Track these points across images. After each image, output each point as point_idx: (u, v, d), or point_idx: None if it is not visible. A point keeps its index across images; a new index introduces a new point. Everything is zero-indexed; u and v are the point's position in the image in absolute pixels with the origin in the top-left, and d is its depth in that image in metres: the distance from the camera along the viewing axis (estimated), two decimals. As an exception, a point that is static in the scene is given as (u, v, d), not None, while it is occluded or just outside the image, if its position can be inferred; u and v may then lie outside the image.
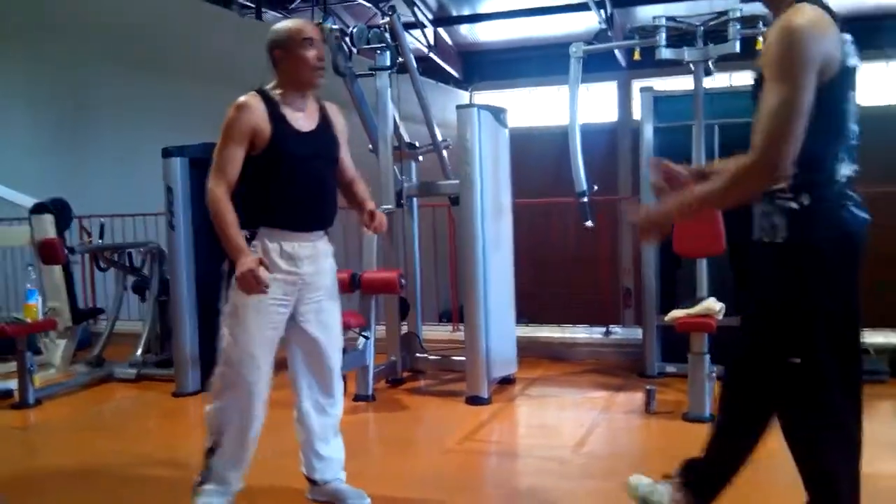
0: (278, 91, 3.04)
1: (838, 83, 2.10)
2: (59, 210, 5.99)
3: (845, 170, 2.17)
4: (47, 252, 5.67)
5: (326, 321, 3.17)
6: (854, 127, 2.19)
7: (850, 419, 2.23)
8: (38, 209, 5.89)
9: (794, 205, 2.12)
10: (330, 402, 3.28)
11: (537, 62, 15.27)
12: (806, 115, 2.00)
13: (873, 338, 5.38)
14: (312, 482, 3.36)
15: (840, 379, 2.19)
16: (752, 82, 2.22)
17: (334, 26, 5.43)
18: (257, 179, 2.99)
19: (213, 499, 3.16)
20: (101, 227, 6.27)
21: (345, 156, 3.23)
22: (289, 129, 2.98)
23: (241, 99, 2.97)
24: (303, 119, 3.05)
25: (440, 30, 16.02)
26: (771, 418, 2.33)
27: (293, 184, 2.98)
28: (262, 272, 2.84)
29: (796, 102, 2.00)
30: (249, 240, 2.97)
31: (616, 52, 14.13)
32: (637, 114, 5.54)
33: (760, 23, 5.00)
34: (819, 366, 2.16)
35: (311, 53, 2.98)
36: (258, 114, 2.93)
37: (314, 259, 3.08)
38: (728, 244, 4.82)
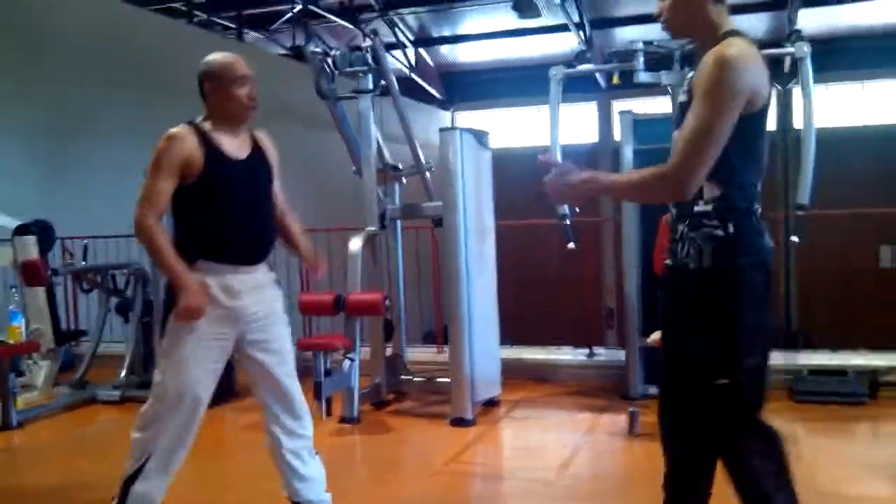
0: (208, 122, 3.02)
1: (761, 116, 2.21)
2: (42, 231, 5.97)
3: (758, 200, 2.28)
4: (30, 273, 5.64)
5: (275, 348, 3.14)
6: (765, 160, 2.30)
7: (776, 435, 2.30)
8: (21, 230, 5.87)
9: (720, 232, 2.21)
10: (298, 424, 3.23)
11: (518, 83, 15.42)
12: (723, 143, 2.11)
13: (852, 360, 5.48)
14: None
15: (762, 397, 2.31)
16: (682, 99, 2.27)
17: (317, 49, 5.50)
18: (193, 211, 2.97)
19: None
20: (85, 248, 6.26)
21: (276, 185, 3.20)
22: (222, 157, 2.96)
23: (172, 130, 2.95)
24: (236, 148, 3.02)
25: (421, 50, 16.14)
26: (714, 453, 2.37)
27: (231, 213, 2.96)
28: (205, 301, 2.86)
29: (717, 128, 2.10)
30: None
31: (596, 73, 14.30)
32: (617, 135, 5.62)
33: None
34: (745, 385, 2.25)
35: (241, 91, 2.98)
36: (189, 144, 2.91)
37: (254, 291, 3.04)
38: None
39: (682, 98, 2.28)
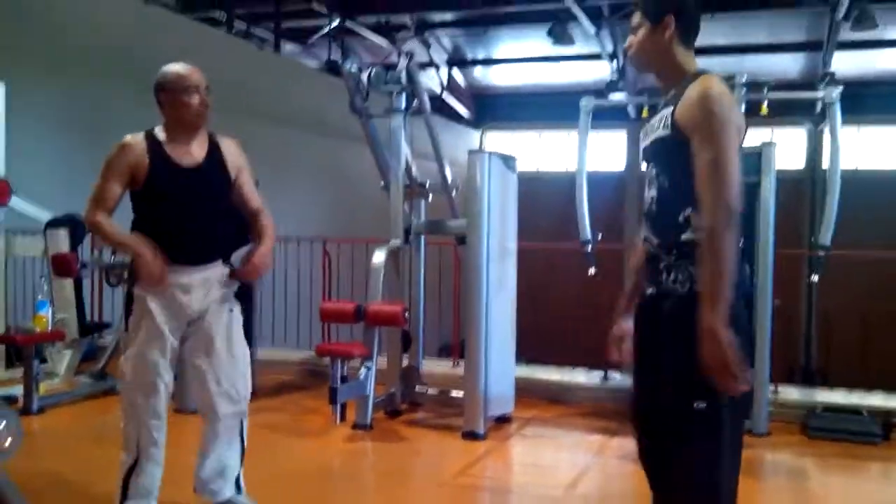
0: (163, 130, 3.21)
1: (741, 150, 2.29)
2: (73, 226, 6.12)
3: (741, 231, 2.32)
4: (60, 266, 5.78)
5: (216, 346, 3.25)
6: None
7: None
8: (53, 224, 6.03)
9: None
10: (212, 440, 3.35)
11: (548, 108, 15.54)
12: (737, 164, 2.18)
13: (868, 400, 5.47)
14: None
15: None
16: (662, 135, 2.32)
17: (353, 67, 5.61)
18: (143, 213, 3.20)
19: None
20: (114, 244, 6.39)
21: (244, 188, 3.32)
22: (168, 166, 3.13)
23: (125, 138, 3.19)
24: (187, 156, 3.18)
25: (454, 70, 16.30)
26: None
27: (171, 218, 3.12)
28: (160, 263, 3.04)
29: (733, 158, 2.18)
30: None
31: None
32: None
33: (766, 89, 5.16)
34: (722, 409, 2.25)
35: (193, 100, 3.14)
36: (137, 152, 3.13)
37: (201, 288, 3.19)
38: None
39: (660, 133, 2.33)
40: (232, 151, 3.30)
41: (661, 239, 2.35)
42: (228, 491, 3.39)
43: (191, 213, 3.14)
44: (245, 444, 3.43)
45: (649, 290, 2.39)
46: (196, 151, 3.21)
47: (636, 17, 2.43)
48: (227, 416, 3.30)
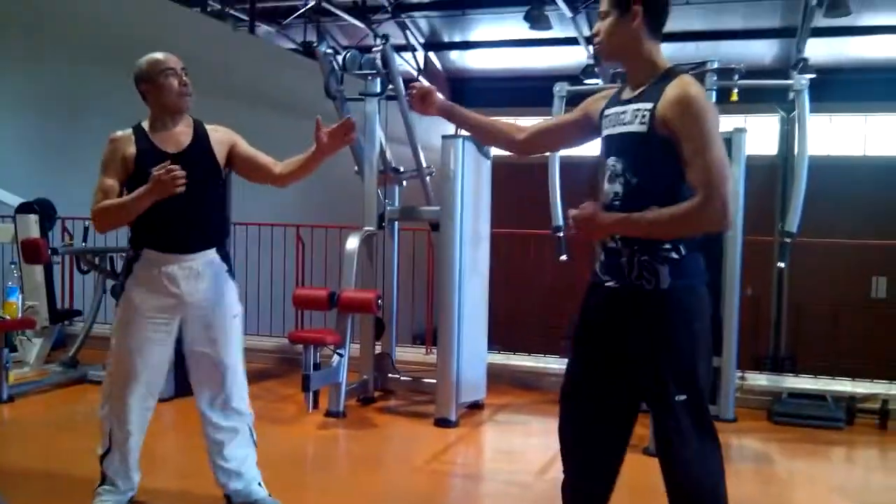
0: (148, 121, 3.24)
1: None
2: (44, 211, 6.05)
3: None
4: (30, 252, 5.72)
5: (214, 337, 3.26)
6: None
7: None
8: (24, 209, 5.95)
9: (674, 255, 2.31)
10: (231, 411, 3.34)
11: (524, 92, 15.49)
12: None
13: (833, 386, 5.57)
14: (227, 498, 3.45)
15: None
16: (636, 129, 2.31)
17: (328, 50, 5.58)
18: None
19: (108, 498, 3.32)
20: (86, 230, 6.33)
21: (247, 153, 3.32)
22: (153, 152, 3.14)
23: (113, 133, 3.24)
24: (171, 142, 3.20)
25: (430, 54, 16.23)
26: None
27: (161, 204, 3.06)
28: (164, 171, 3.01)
29: (724, 156, 2.22)
30: (133, 260, 3.20)
31: (602, 88, 14.38)
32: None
33: (736, 75, 5.20)
34: (702, 397, 2.35)
35: (172, 81, 3.17)
36: (123, 143, 3.17)
37: (193, 278, 3.19)
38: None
39: (634, 128, 2.32)
40: (218, 136, 3.30)
41: (624, 236, 2.35)
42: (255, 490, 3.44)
43: (176, 200, 3.07)
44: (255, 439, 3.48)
45: (608, 283, 2.42)
46: (181, 138, 3.22)
47: (604, 4, 2.41)
48: (234, 380, 3.31)
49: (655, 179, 2.30)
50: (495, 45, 15.74)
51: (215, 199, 3.31)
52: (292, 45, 14.09)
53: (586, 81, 12.13)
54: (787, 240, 5.24)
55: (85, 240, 6.32)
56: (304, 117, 12.60)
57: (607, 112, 2.46)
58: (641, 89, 2.36)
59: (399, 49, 12.29)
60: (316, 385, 5.02)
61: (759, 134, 14.69)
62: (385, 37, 5.65)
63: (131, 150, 3.15)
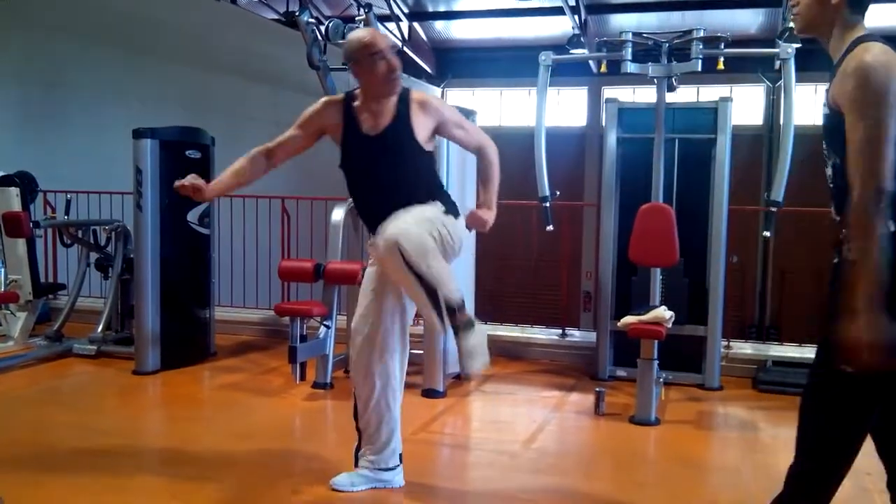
0: (359, 94, 3.16)
1: None
2: (25, 183, 5.99)
3: None
4: (12, 225, 5.67)
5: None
6: None
7: None
8: (4, 182, 5.89)
9: (891, 227, 2.13)
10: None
11: (510, 62, 15.44)
12: (892, 142, 2.06)
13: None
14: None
15: None
16: (825, 112, 2.24)
17: (310, 19, 5.51)
18: (345, 178, 3.27)
19: (366, 455, 3.43)
20: (67, 202, 6.27)
21: (454, 135, 3.23)
22: (354, 131, 3.13)
23: (330, 96, 3.30)
24: (371, 123, 3.12)
25: (415, 24, 16.10)
26: None
27: (356, 184, 3.17)
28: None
29: (880, 134, 2.06)
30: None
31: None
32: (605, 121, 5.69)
33: (722, 44, 5.18)
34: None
35: (379, 67, 3.05)
36: (333, 111, 3.19)
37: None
38: (682, 257, 5.02)
39: (824, 110, 2.25)
40: (421, 113, 3.13)
41: (838, 213, 2.26)
42: None
43: (372, 183, 3.09)
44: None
45: (834, 259, 2.32)
46: (382, 119, 3.12)
47: None
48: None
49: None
50: (481, 15, 15.63)
51: (419, 178, 3.16)
52: (275, 15, 13.93)
53: (572, 51, 12.09)
54: (773, 209, 5.25)
55: (67, 213, 6.26)
56: (287, 89, 12.60)
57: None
58: (834, 68, 2.24)
59: (383, 19, 12.19)
60: (303, 357, 5.02)
61: (745, 104, 14.69)
62: (368, 6, 5.59)
63: (339, 121, 3.15)
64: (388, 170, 3.09)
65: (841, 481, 2.29)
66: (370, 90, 3.12)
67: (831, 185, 2.31)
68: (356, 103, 3.15)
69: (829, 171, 2.33)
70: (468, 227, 3.18)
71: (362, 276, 5.05)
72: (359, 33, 3.17)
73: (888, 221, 2.10)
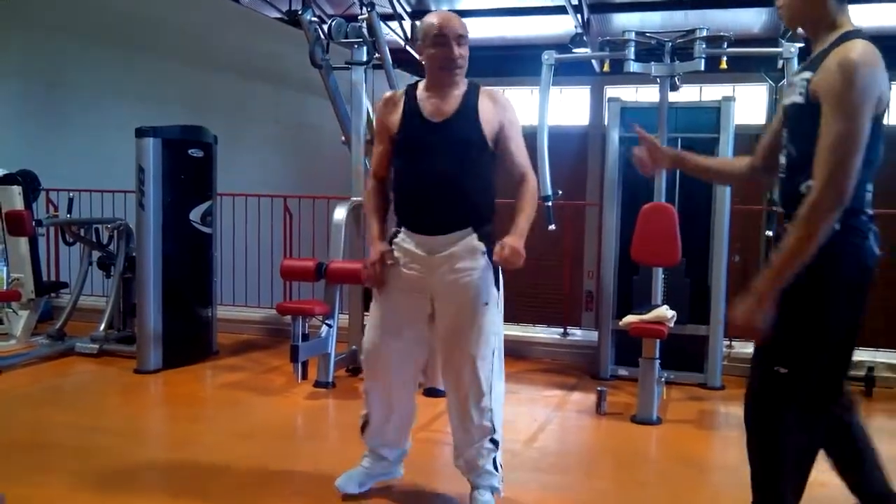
0: (425, 80, 3.04)
1: (880, 119, 2.18)
2: (28, 182, 5.99)
3: (869, 204, 2.27)
4: (14, 224, 5.67)
5: (457, 325, 3.01)
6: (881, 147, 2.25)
7: None
8: (6, 180, 5.90)
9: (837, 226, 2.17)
10: (463, 422, 3.13)
11: (513, 62, 15.40)
12: (863, 148, 2.09)
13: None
14: None
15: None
16: (797, 100, 2.23)
17: (313, 18, 5.51)
18: (395, 168, 3.09)
19: (367, 463, 3.36)
20: (70, 201, 6.28)
21: (506, 146, 2.98)
22: (415, 118, 2.96)
23: (387, 93, 3.14)
24: (435, 109, 2.95)
25: (417, 23, 16.06)
26: None
27: (410, 174, 2.96)
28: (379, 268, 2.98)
29: (856, 137, 2.08)
30: (392, 237, 3.06)
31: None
32: (607, 120, 5.68)
33: (725, 43, 5.17)
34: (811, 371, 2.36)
35: (441, 51, 2.92)
36: (392, 104, 3.04)
37: (444, 262, 2.95)
38: (684, 256, 5.01)
39: (795, 98, 2.23)
40: (490, 107, 2.97)
41: (785, 207, 2.30)
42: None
43: (426, 170, 2.91)
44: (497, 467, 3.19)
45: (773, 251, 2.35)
46: (446, 106, 2.95)
47: None
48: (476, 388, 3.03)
49: (812, 152, 2.16)
50: (483, 14, 15.59)
51: (477, 174, 2.96)
52: (277, 14, 13.92)
53: (575, 50, 12.07)
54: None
55: (70, 211, 6.27)
56: (290, 89, 12.62)
57: (789, 80, 2.38)
58: (812, 57, 2.25)
59: (385, 18, 12.18)
60: (305, 356, 5.02)
61: (748, 103, 14.67)
62: (371, 4, 5.58)
63: (398, 111, 2.99)
64: (447, 160, 2.90)
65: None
66: (432, 76, 2.99)
67: (782, 175, 2.33)
68: (419, 91, 3.02)
69: (782, 160, 2.35)
70: (500, 266, 2.96)
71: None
72: (430, 16, 2.98)
73: (835, 223, 2.15)
